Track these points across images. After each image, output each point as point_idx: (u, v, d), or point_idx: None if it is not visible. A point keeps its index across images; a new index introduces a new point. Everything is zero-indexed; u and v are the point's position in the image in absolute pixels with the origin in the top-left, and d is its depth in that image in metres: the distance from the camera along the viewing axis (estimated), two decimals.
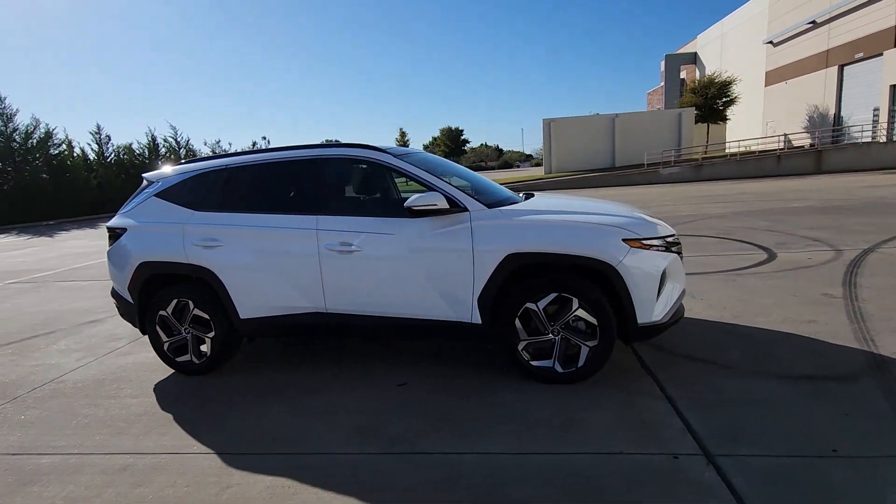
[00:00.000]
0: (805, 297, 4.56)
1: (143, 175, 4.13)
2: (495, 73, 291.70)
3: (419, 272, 3.24)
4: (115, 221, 3.95)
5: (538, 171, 38.01)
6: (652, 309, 3.02)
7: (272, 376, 3.65)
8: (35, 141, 23.43)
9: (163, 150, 31.57)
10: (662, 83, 47.76)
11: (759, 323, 3.98)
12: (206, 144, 42.38)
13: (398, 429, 2.78)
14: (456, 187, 3.35)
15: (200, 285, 3.64)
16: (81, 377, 3.89)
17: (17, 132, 22.92)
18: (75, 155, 26.07)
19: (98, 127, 27.69)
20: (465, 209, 3.22)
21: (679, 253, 3.31)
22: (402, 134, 38.20)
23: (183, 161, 4.15)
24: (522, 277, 3.14)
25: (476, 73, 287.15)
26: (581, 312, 3.04)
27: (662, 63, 47.66)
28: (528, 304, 3.10)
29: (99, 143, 28.19)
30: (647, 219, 3.32)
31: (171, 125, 41.27)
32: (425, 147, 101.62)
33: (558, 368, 3.13)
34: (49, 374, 3.98)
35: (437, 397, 3.14)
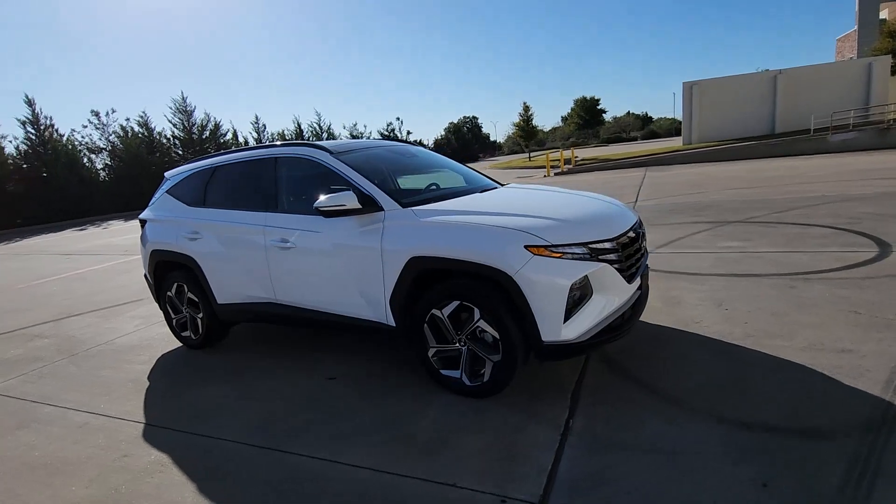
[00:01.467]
0: (871, 317, 3.50)
1: (165, 173, 4.78)
2: (638, 33, 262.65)
3: (341, 271, 3.26)
4: (143, 214, 4.66)
5: (673, 142, 33.95)
6: (559, 326, 2.63)
7: (241, 359, 4.03)
8: (208, 132, 28.15)
9: (307, 135, 35.41)
10: (856, 27, 38.66)
11: (773, 347, 3.20)
12: (344, 128, 46.51)
13: (294, 423, 2.90)
14: (386, 187, 3.29)
15: (188, 272, 4.14)
16: (123, 342, 4.74)
17: (196, 125, 27.75)
18: (235, 141, 30.66)
19: (256, 117, 32.22)
20: (381, 209, 3.13)
21: (619, 261, 2.81)
22: (526, 108, 37.07)
23: (191, 160, 4.68)
24: (428, 282, 2.97)
25: (616, 35, 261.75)
26: (483, 324, 2.79)
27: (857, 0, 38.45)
28: (434, 311, 2.93)
29: (257, 132, 32.77)
30: (605, 218, 2.91)
31: (316, 112, 45.85)
32: (564, 119, 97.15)
33: (465, 381, 2.93)
34: (106, 337, 4.93)
35: (347, 395, 3.18)
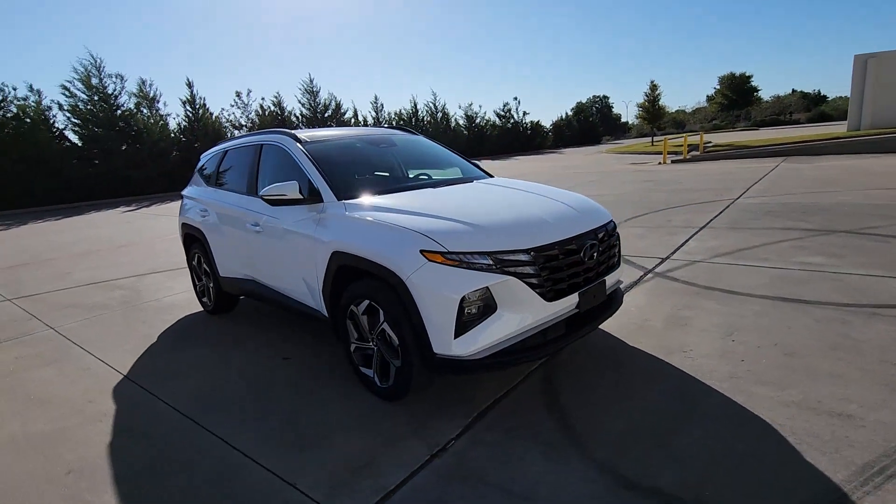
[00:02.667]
0: None
1: (201, 154, 5.29)
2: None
3: (291, 258, 3.36)
4: (183, 191, 5.23)
5: (838, 128, 28.24)
6: (450, 339, 2.42)
7: (244, 330, 4.37)
8: (330, 111, 30.44)
9: (422, 115, 36.48)
10: None
11: (752, 396, 2.60)
12: (459, 107, 46.94)
13: (227, 399, 3.10)
14: (339, 177, 3.28)
15: (201, 245, 4.59)
16: (167, 301, 5.43)
17: (320, 105, 30.17)
18: (360, 120, 32.72)
19: (375, 97, 34.01)
20: (321, 200, 3.14)
21: (535, 275, 2.49)
22: (653, 87, 33.66)
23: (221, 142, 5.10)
24: (349, 277, 2.92)
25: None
26: (386, 326, 2.68)
27: None
28: (352, 307, 2.88)
29: (375, 111, 34.59)
30: (530, 226, 2.61)
31: (433, 91, 46.59)
32: (709, 99, 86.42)
33: (377, 381, 2.86)
34: (158, 295, 5.70)
35: (287, 378, 3.29)
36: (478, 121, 42.81)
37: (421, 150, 4.21)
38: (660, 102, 34.28)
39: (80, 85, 20.78)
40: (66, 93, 20.78)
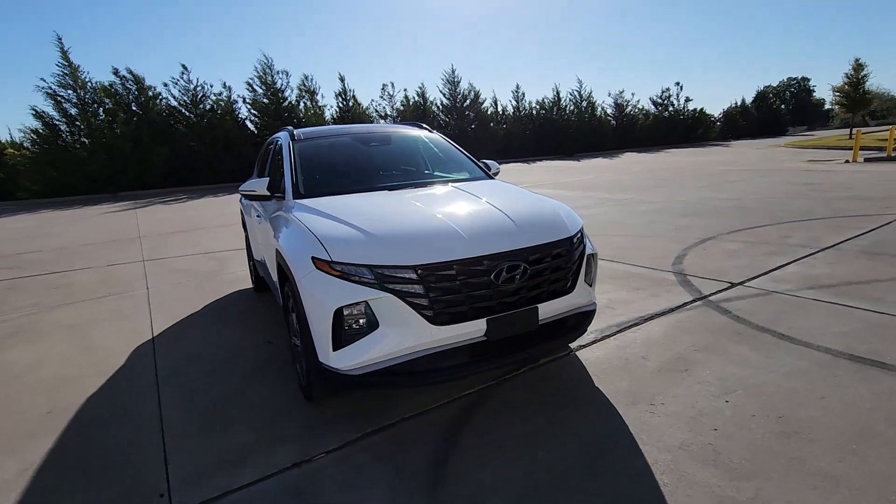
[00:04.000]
0: None
1: None
2: None
3: (266, 249, 3.55)
4: None
5: None
6: (328, 350, 2.32)
7: (265, 307, 4.79)
8: (469, 101, 30.94)
9: (564, 104, 35.00)
10: None
11: (681, 481, 2.02)
12: (609, 95, 43.71)
13: (194, 369, 3.42)
14: (313, 176, 3.36)
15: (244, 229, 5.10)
16: (240, 275, 6.17)
17: (460, 95, 30.85)
18: (494, 110, 32.72)
19: (517, 86, 33.51)
20: (284, 197, 3.24)
21: (420, 295, 2.26)
22: (857, 67, 27.04)
23: None
24: (285, 274, 2.97)
25: None
26: (297, 327, 2.68)
27: None
28: (288, 303, 2.95)
29: (516, 100, 34.16)
30: (430, 240, 2.38)
31: (578, 79, 43.45)
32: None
33: (300, 378, 2.89)
34: (237, 269, 6.50)
35: (255, 361, 3.51)
36: (628, 109, 39.58)
37: (415, 148, 4.07)
38: (865, 86, 27.61)
39: (257, 81, 24.54)
40: (249, 88, 24.72)
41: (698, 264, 5.16)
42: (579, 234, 2.82)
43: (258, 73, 24.72)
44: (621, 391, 2.76)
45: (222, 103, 24.21)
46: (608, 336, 3.51)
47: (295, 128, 4.02)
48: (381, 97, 30.37)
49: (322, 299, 2.32)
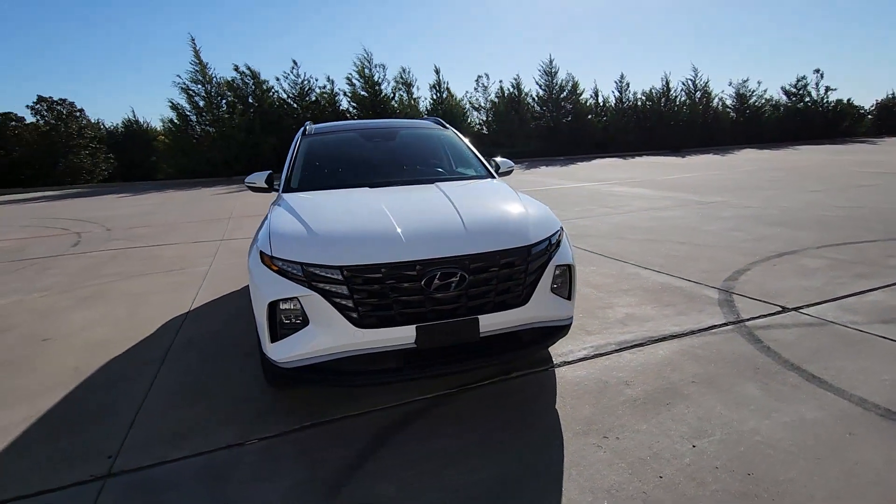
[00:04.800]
0: None
1: None
2: None
3: None
4: None
5: None
6: (266, 341, 2.39)
7: None
8: (566, 92, 29.74)
9: (674, 94, 32.22)
10: None
11: None
12: (730, 85, 39.19)
13: (196, 356, 3.67)
14: (308, 171, 3.47)
15: None
16: None
17: (557, 86, 29.78)
18: (594, 101, 31.08)
19: (621, 75, 31.42)
20: (276, 190, 3.37)
21: (343, 296, 2.24)
22: None
23: None
24: None
25: None
26: None
27: None
28: None
29: (619, 90, 32.14)
30: (365, 241, 2.35)
31: (694, 67, 38.86)
32: None
33: None
34: None
35: (238, 352, 3.73)
36: (752, 100, 35.31)
37: (420, 145, 4.00)
38: None
39: (356, 75, 25.80)
40: (349, 82, 26.10)
41: (756, 282, 4.50)
42: (546, 244, 2.60)
43: (357, 67, 25.97)
44: (579, 418, 2.50)
45: (326, 95, 25.86)
46: (602, 354, 3.21)
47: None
48: (476, 89, 30.36)
49: (262, 292, 2.40)
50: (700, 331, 3.50)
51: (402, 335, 2.30)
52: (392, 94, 26.64)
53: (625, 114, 31.77)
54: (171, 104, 22.81)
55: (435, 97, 27.93)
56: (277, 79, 25.69)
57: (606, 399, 2.67)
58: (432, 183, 3.33)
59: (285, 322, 2.36)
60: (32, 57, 58.72)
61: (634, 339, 3.40)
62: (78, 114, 23.66)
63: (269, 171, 3.63)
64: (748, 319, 3.65)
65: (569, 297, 2.76)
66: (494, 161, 3.95)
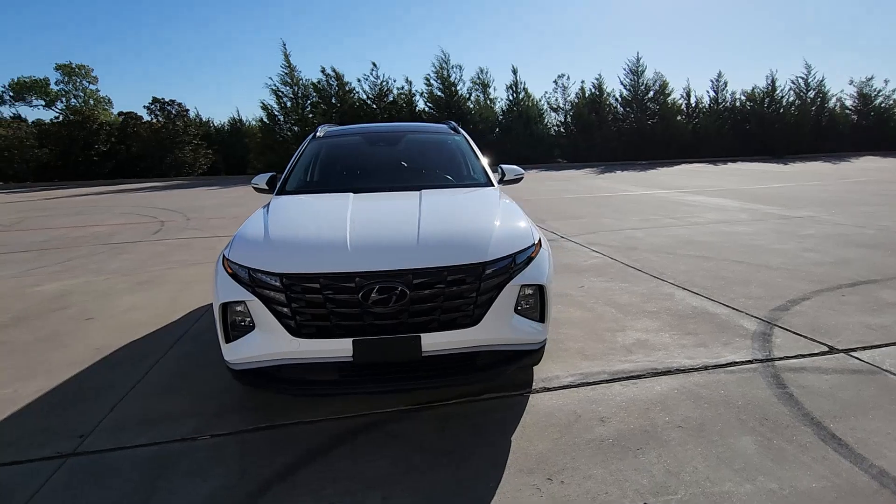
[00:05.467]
0: None
1: None
2: None
3: None
4: None
5: None
6: (221, 341, 2.44)
7: None
8: (652, 92, 27.96)
9: (781, 94, 29.13)
10: None
11: None
12: (851, 84, 34.46)
13: (201, 345, 3.86)
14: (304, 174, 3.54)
15: None
16: None
17: (643, 85, 28.09)
18: (686, 101, 28.91)
19: (718, 73, 28.96)
20: (271, 192, 3.46)
21: (281, 303, 2.25)
22: None
23: None
24: None
25: None
26: None
27: None
28: None
29: (715, 90, 29.65)
30: (311, 249, 2.33)
31: (806, 64, 34.08)
32: None
33: None
34: None
35: None
36: (877, 101, 30.96)
37: (422, 150, 3.90)
38: None
39: (433, 76, 26.16)
40: (426, 83, 26.53)
41: (810, 315, 3.90)
42: (508, 262, 2.40)
43: (435, 67, 26.33)
44: (532, 453, 2.29)
45: (403, 96, 26.50)
46: (590, 383, 2.93)
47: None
48: (555, 89, 29.51)
49: (216, 294, 2.46)
50: (715, 367, 3.08)
51: (339, 348, 2.24)
52: (468, 95, 26.72)
53: (719, 115, 29.28)
54: (262, 105, 24.62)
55: (511, 98, 27.57)
56: (359, 80, 26.74)
57: (571, 435, 2.42)
58: (420, 190, 3.23)
59: (237, 324, 2.40)
60: (154, 62, 66.72)
61: (633, 370, 3.07)
62: (184, 113, 26.28)
63: (272, 174, 3.75)
64: (780, 358, 3.16)
65: (541, 320, 2.55)
66: (501, 168, 3.76)
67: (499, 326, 2.36)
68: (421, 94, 26.87)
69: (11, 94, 39.29)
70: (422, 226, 2.49)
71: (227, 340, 2.43)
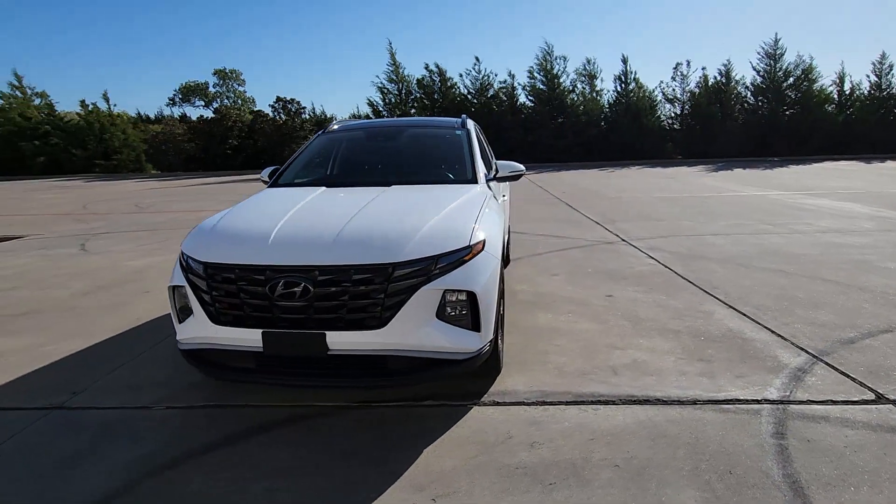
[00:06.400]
0: None
1: None
2: None
3: None
4: None
5: None
6: (175, 321, 2.63)
7: None
8: (792, 79, 24.27)
9: None
10: None
11: None
12: None
13: None
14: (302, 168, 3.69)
15: None
16: None
17: (780, 72, 24.51)
18: (838, 88, 24.67)
19: (882, 54, 24.18)
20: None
21: (203, 290, 2.37)
22: None
23: None
24: None
25: None
26: None
27: None
28: None
29: (877, 74, 24.90)
30: (248, 240, 2.41)
31: None
32: None
33: None
34: None
35: None
36: None
37: (416, 145, 3.82)
38: None
39: (537, 68, 25.44)
40: (529, 76, 25.92)
41: (878, 352, 3.14)
42: (426, 264, 2.26)
43: (538, 60, 25.62)
44: (433, 470, 2.14)
45: (504, 90, 26.23)
46: (546, 403, 2.65)
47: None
48: (673, 78, 27.00)
49: (173, 275, 2.65)
50: (707, 402, 2.61)
51: (251, 338, 2.29)
52: (572, 87, 25.63)
53: (882, 104, 24.56)
54: (368, 101, 26.05)
55: (620, 89, 25.85)
56: (461, 75, 26.99)
57: (488, 456, 2.22)
58: (389, 186, 3.17)
59: (185, 307, 2.57)
60: (282, 64, 75.02)
61: (605, 395, 2.72)
62: (302, 110, 28.78)
63: (276, 167, 3.93)
64: (800, 402, 2.58)
65: (474, 328, 2.36)
66: (496, 165, 3.53)
67: (410, 331, 2.24)
68: (523, 88, 26.38)
69: (180, 96, 46.26)
70: (350, 223, 2.45)
71: (178, 321, 2.62)
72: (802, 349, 3.20)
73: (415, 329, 2.24)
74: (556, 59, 25.25)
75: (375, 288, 2.23)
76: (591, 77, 25.84)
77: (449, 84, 26.11)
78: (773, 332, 3.50)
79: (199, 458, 2.28)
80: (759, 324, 3.66)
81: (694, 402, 2.61)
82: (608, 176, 17.57)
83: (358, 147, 4.10)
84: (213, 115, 29.46)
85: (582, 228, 7.80)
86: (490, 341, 2.47)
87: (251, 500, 2.00)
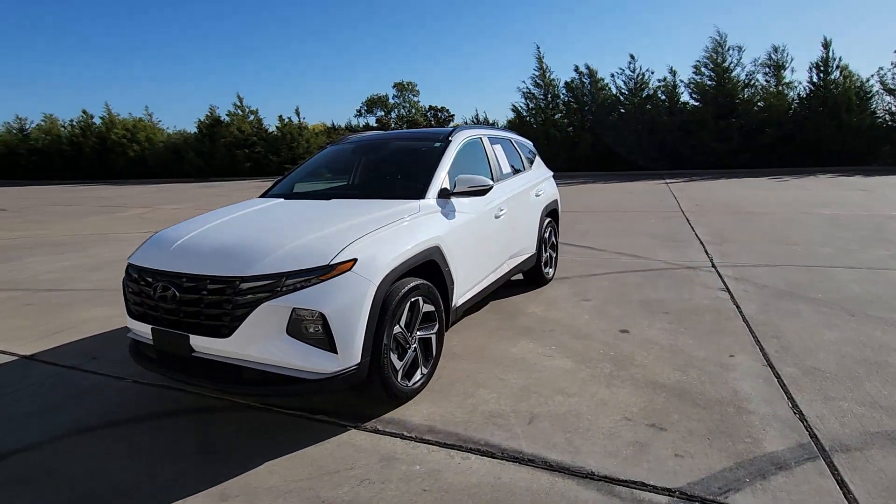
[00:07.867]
0: None
1: None
2: None
3: None
4: None
5: None
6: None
7: None
8: None
9: None
10: None
11: None
12: None
13: None
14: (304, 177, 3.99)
15: None
16: None
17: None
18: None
19: None
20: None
21: (132, 292, 2.68)
22: None
23: None
24: None
25: None
26: None
27: None
28: None
29: None
30: (166, 246, 2.72)
31: None
32: None
33: None
34: None
35: None
36: None
37: (391, 160, 3.76)
38: None
39: (705, 61, 22.27)
40: (696, 71, 22.84)
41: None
42: (273, 279, 2.29)
43: (707, 52, 22.48)
44: (250, 484, 2.14)
45: (663, 88, 23.67)
46: (420, 440, 2.43)
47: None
48: (894, 63, 21.11)
49: None
50: (603, 479, 2.09)
51: (146, 332, 2.59)
52: (747, 81, 21.93)
53: None
54: (512, 107, 26.04)
55: (815, 80, 21.22)
56: (612, 75, 25.09)
57: (311, 482, 2.13)
58: (329, 200, 3.34)
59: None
60: (440, 74, 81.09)
61: (492, 445, 2.37)
62: (451, 118, 30.28)
63: (280, 177, 4.23)
64: (733, 490, 1.90)
65: (332, 349, 2.29)
66: (455, 180, 3.23)
67: (254, 344, 2.29)
68: (686, 85, 23.48)
69: (365, 107, 52.52)
70: (240, 236, 2.63)
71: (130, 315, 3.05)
72: (811, 432, 2.33)
73: (262, 342, 2.29)
74: (728, 49, 21.87)
75: (225, 298, 2.34)
76: (777, 67, 21.70)
77: (599, 86, 24.58)
78: (793, 405, 2.62)
79: (97, 431, 2.64)
80: (783, 391, 2.76)
81: (589, 476, 2.12)
82: (774, 186, 14.60)
83: (336, 160, 4.18)
84: (375, 123, 32.85)
85: (675, 248, 6.68)
86: (357, 364, 2.37)
87: (91, 480, 2.27)
